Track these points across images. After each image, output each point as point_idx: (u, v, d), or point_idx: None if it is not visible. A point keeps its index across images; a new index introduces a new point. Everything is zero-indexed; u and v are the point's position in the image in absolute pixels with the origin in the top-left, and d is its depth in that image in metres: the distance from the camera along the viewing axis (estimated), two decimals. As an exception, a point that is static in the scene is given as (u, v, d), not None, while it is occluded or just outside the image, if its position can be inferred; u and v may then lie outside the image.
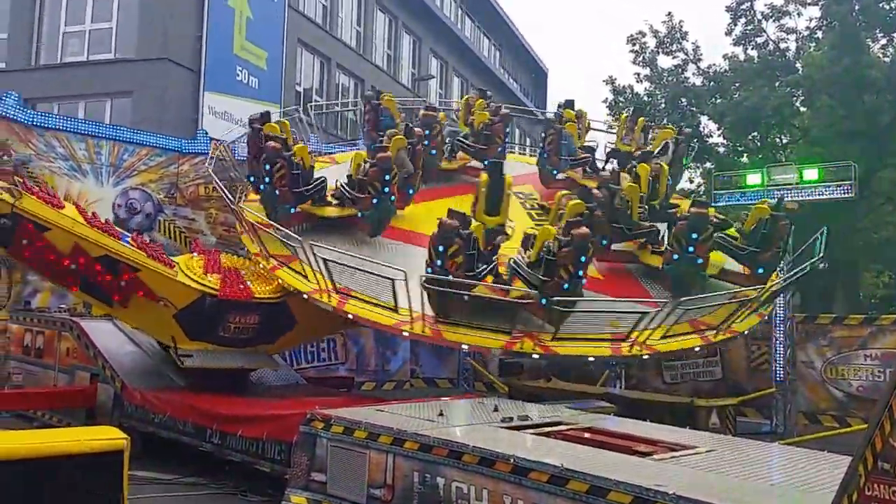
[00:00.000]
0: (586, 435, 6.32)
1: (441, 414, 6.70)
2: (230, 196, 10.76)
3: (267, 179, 9.71)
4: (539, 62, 46.25)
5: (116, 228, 8.97)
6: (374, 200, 9.84)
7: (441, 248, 8.41)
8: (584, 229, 8.56)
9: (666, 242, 10.16)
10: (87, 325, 9.76)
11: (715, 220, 10.08)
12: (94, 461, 5.84)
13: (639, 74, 29.04)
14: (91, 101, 18.58)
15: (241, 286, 8.99)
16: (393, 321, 8.81)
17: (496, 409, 7.12)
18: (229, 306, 8.86)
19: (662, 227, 10.70)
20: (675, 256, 9.65)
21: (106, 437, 6.16)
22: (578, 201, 9.48)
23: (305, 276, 9.09)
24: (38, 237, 7.98)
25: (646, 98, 28.86)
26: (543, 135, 13.18)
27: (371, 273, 8.80)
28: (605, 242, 10.02)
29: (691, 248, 9.45)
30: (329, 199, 10.28)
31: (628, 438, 6.12)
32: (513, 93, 41.80)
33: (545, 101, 47.17)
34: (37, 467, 5.59)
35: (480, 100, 13.90)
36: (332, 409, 6.84)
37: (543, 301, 8.47)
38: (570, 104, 14.06)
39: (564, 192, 10.85)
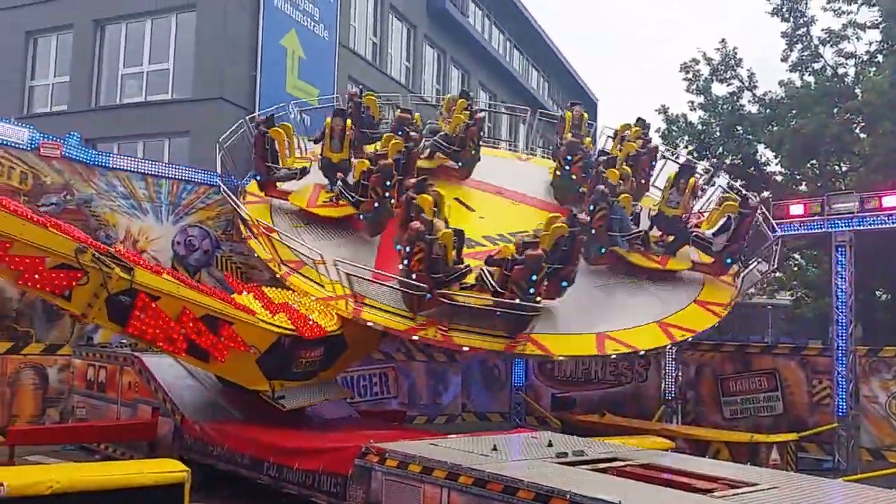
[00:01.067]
0: (644, 472, 6.21)
1: (495, 448, 6.68)
2: (238, 203, 11.15)
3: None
4: (588, 92, 46.22)
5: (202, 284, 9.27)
6: (376, 204, 10.64)
7: (407, 249, 9.22)
8: (538, 251, 9.25)
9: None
10: (148, 359, 10.00)
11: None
12: (156, 493, 6.01)
13: (692, 103, 28.77)
14: (150, 140, 19.24)
15: (311, 323, 9.10)
16: (405, 327, 9.49)
17: (550, 444, 7.06)
18: (302, 343, 9.02)
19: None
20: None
21: (167, 469, 6.34)
22: (561, 225, 9.99)
23: (319, 284, 9.73)
24: (151, 307, 7.99)
25: (700, 127, 28.55)
26: (591, 204, 11.39)
27: (395, 288, 9.49)
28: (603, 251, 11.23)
29: (532, 291, 9.27)
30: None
31: (687, 475, 6.00)
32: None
33: (595, 131, 47.07)
34: (102, 499, 5.78)
35: (462, 100, 14.43)
36: (387, 443, 6.88)
37: (497, 312, 9.30)
38: (575, 105, 15.49)
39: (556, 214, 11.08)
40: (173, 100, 19.28)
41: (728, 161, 28.77)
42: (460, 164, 13.68)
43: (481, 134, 14.50)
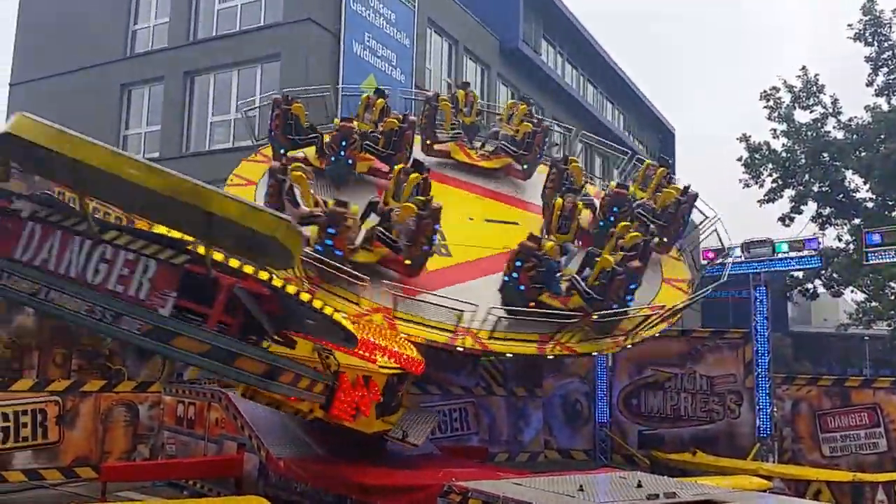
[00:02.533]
0: (742, 515, 5.88)
1: (581, 489, 6.45)
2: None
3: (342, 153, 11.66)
4: (665, 123, 45.58)
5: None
6: (424, 247, 10.49)
7: (518, 263, 10.07)
8: (638, 262, 10.47)
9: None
10: (235, 395, 10.19)
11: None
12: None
13: (775, 130, 28.04)
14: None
15: (405, 358, 9.08)
16: (445, 338, 9.72)
17: (640, 485, 6.77)
18: (402, 378, 9.02)
19: None
20: (505, 278, 10.51)
21: (253, 506, 6.40)
22: (636, 233, 11.05)
23: (347, 299, 9.73)
24: (348, 386, 8.04)
25: (784, 154, 27.73)
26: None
27: (443, 306, 9.83)
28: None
29: (515, 275, 10.34)
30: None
31: (789, 519, 5.64)
32: (639, 155, 41.32)
33: (674, 162, 46.24)
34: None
35: (523, 106, 14.81)
36: (469, 482, 6.76)
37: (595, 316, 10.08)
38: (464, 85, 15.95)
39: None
40: (259, 144, 19.98)
41: (815, 188, 27.82)
42: (525, 166, 14.15)
43: (546, 141, 14.99)
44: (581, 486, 6.56)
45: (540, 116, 15.32)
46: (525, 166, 14.24)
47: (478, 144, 14.79)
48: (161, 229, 7.06)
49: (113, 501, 8.69)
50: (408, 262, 10.37)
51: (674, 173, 47.76)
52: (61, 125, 6.38)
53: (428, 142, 13.92)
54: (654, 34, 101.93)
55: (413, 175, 11.15)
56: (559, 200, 12.03)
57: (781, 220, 28.21)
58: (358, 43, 21.59)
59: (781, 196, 28.35)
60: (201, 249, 6.72)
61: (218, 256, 6.81)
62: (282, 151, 12.23)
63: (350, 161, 12.13)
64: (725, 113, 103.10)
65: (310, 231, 9.79)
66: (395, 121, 12.88)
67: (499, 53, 28.96)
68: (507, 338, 10.06)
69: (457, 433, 13.31)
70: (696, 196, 12.94)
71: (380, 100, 13.62)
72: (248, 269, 6.99)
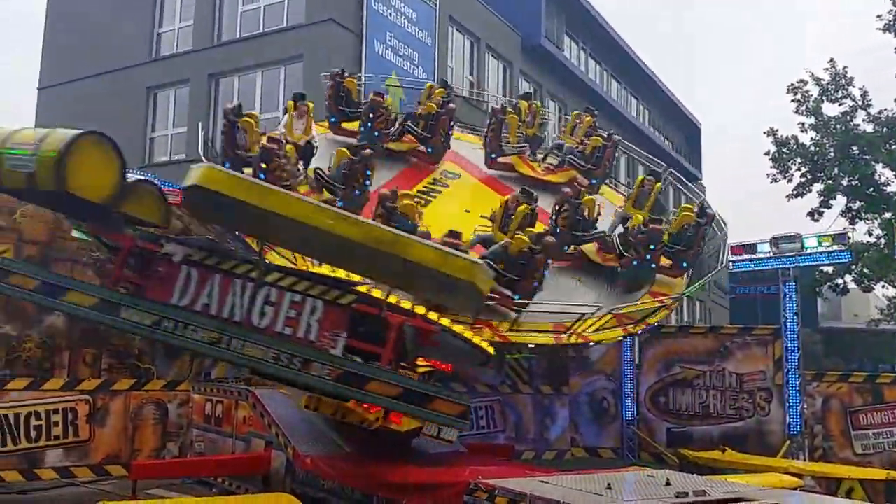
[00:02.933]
0: (773, 513, 5.79)
1: (609, 487, 6.39)
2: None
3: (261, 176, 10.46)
4: (691, 118, 45.12)
5: None
6: (356, 192, 11.05)
7: (262, 164, 10.11)
8: (660, 226, 11.20)
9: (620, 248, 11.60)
10: (262, 393, 10.26)
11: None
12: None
13: (803, 124, 27.63)
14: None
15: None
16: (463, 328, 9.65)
17: (668, 483, 6.69)
18: (431, 376, 9.07)
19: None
20: (635, 262, 11.34)
21: (282, 503, 6.43)
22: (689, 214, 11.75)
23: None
24: None
25: (812, 148, 27.31)
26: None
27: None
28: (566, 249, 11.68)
29: (648, 256, 11.25)
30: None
31: (822, 517, 5.55)
32: (664, 150, 40.94)
33: (700, 157, 45.80)
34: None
35: (588, 118, 14.70)
36: (496, 480, 6.73)
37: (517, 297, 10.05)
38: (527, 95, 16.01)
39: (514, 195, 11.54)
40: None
41: (845, 182, 27.38)
42: (593, 181, 13.89)
43: (616, 155, 14.76)
44: (609, 483, 6.49)
45: (609, 131, 15.01)
46: (593, 181, 13.91)
47: (540, 157, 14.68)
48: (324, 269, 7.09)
49: (143, 499, 8.77)
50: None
51: (700, 171, 46.94)
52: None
53: (493, 155, 13.74)
54: (677, 28, 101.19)
55: (587, 118, 13.62)
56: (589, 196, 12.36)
57: (810, 214, 27.79)
58: (380, 42, 21.64)
59: (810, 190, 27.92)
60: (363, 288, 6.75)
61: (377, 294, 6.85)
62: (332, 120, 13.42)
63: (377, 133, 12.83)
64: (752, 107, 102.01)
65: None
66: (433, 105, 13.46)
67: (521, 50, 28.85)
68: (522, 329, 10.13)
69: (483, 431, 13.29)
70: (713, 217, 12.33)
71: (588, 118, 14.52)
72: (407, 306, 7.10)
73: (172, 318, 6.47)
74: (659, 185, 13.01)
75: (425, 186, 13.23)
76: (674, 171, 15.04)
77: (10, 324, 10.27)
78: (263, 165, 10.47)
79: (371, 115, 12.96)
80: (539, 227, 11.18)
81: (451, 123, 14.02)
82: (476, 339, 7.53)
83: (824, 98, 27.13)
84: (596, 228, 11.78)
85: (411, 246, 5.94)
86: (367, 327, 6.75)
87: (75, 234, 9.42)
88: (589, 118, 14.32)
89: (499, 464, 9.58)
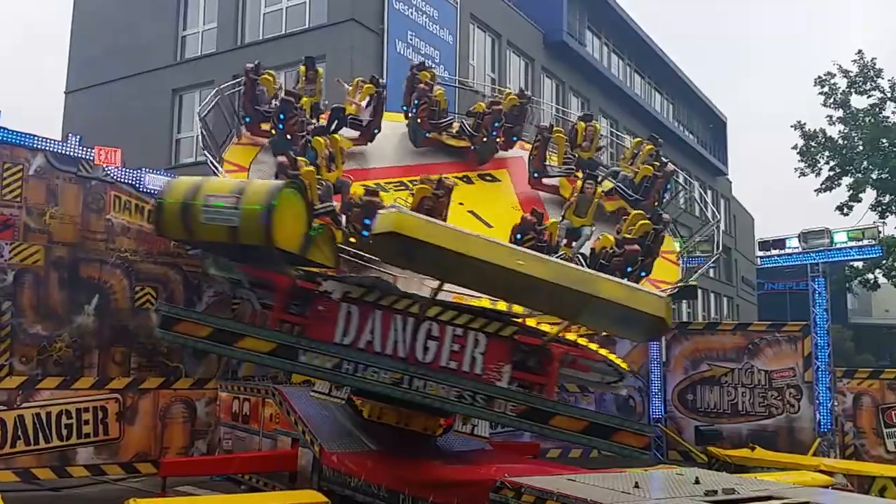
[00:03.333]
0: (805, 511, 5.72)
1: (637, 486, 6.36)
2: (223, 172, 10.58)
3: (280, 126, 10.42)
4: (716, 111, 44.62)
5: None
6: (272, 130, 10.59)
7: (518, 237, 9.33)
8: (636, 246, 9.64)
9: None
10: (288, 391, 10.33)
11: None
12: (299, 524, 6.13)
13: (831, 117, 27.22)
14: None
15: None
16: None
17: (697, 482, 6.64)
18: None
19: None
20: None
21: (309, 500, 6.47)
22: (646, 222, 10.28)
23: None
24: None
25: (841, 141, 26.91)
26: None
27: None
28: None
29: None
30: None
31: (855, 516, 5.46)
32: (689, 145, 40.54)
33: (725, 150, 45.29)
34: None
35: (649, 146, 12.96)
36: (522, 478, 6.71)
37: None
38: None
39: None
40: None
41: (874, 176, 26.95)
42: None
43: (668, 187, 13.27)
44: (636, 482, 6.45)
45: (666, 159, 13.31)
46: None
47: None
48: (484, 302, 7.06)
49: (172, 496, 8.87)
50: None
51: (726, 165, 46.38)
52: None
53: (536, 174, 12.75)
54: (702, 19, 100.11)
55: (647, 146, 12.04)
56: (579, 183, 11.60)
57: (839, 209, 27.38)
58: (401, 41, 21.65)
59: (839, 184, 27.53)
60: (516, 308, 6.74)
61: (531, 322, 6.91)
62: (247, 120, 11.88)
63: (290, 137, 11.38)
64: (779, 101, 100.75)
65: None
66: (650, 168, 12.14)
67: (543, 46, 28.71)
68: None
69: (509, 429, 13.24)
70: (673, 172, 12.51)
71: (648, 146, 12.85)
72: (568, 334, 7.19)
73: (353, 360, 6.39)
74: (599, 189, 11.66)
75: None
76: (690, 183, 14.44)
77: (42, 324, 10.42)
78: (282, 117, 10.54)
79: (282, 118, 11.51)
80: None
81: (668, 187, 12.83)
82: (613, 358, 7.50)
83: (852, 90, 26.72)
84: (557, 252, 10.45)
85: (600, 283, 5.94)
86: (527, 358, 6.76)
87: (212, 271, 9.11)
88: (650, 146, 12.80)
89: (525, 461, 9.55)
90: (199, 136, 11.46)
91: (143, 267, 11.31)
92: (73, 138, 11.23)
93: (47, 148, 10.71)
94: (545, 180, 12.86)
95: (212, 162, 10.84)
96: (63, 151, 10.86)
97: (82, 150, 11.06)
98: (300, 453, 9.71)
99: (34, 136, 10.69)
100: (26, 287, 10.32)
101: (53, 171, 10.69)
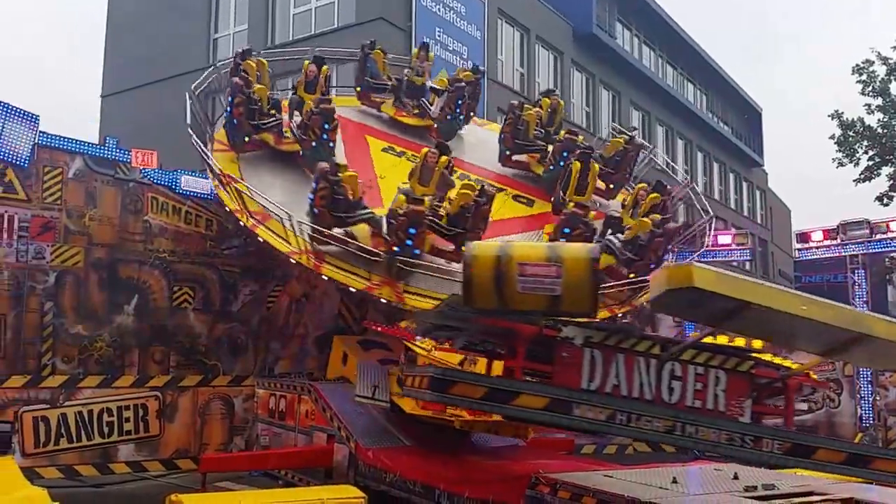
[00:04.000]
0: (847, 507, 5.63)
1: (675, 481, 6.33)
2: (207, 152, 10.90)
3: (228, 110, 10.87)
4: (751, 102, 43.90)
5: None
6: (314, 143, 10.86)
7: (314, 186, 9.78)
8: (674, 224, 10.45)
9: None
10: (324, 387, 10.43)
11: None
12: (337, 519, 6.20)
13: (869, 105, 26.65)
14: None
15: None
16: (363, 285, 9.74)
17: (736, 477, 6.59)
18: None
19: None
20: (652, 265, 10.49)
21: (347, 495, 6.54)
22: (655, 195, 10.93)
23: (285, 239, 9.87)
24: None
25: (880, 130, 26.33)
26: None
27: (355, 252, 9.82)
28: None
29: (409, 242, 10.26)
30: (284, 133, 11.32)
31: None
32: (723, 136, 39.97)
33: (761, 142, 44.56)
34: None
35: (654, 195, 11.79)
36: (558, 473, 6.71)
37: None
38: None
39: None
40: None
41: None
42: (611, 186, 12.69)
43: (640, 161, 13.44)
44: (674, 478, 6.43)
45: (632, 134, 13.53)
46: (611, 186, 12.79)
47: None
48: (721, 339, 7.31)
49: (213, 492, 9.01)
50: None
51: (761, 156, 45.55)
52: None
53: (507, 152, 13.06)
54: (736, 6, 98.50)
55: (652, 195, 11.30)
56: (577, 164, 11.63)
57: (879, 199, 26.82)
58: (429, 38, 21.64)
59: (878, 174, 26.94)
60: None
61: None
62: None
63: (235, 122, 11.50)
64: (819, 90, 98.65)
65: None
66: (648, 222, 11.05)
67: (572, 40, 28.54)
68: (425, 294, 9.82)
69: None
70: (640, 145, 13.08)
71: (653, 195, 11.71)
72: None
73: (626, 410, 6.28)
74: (656, 195, 11.48)
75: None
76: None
77: (83, 324, 10.65)
78: (230, 99, 10.92)
79: (232, 101, 11.49)
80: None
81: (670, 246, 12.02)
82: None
83: (892, 77, 26.15)
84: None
85: (871, 322, 6.04)
86: (762, 390, 6.83)
87: (429, 321, 8.23)
88: (655, 196, 11.39)
89: (559, 457, 9.54)
90: (189, 114, 11.50)
91: (180, 267, 11.48)
92: (111, 141, 11.45)
93: (85, 151, 10.95)
94: (515, 157, 13.04)
95: (196, 142, 10.96)
96: (101, 154, 11.08)
97: (119, 153, 11.29)
98: (336, 449, 9.79)
99: (73, 139, 10.93)
100: (67, 288, 10.55)
101: (92, 173, 10.91)
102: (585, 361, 6.45)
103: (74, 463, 10.35)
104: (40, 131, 10.48)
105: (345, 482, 8.83)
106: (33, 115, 10.34)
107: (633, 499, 5.67)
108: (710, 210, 12.91)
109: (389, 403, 9.33)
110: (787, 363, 7.26)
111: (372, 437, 9.49)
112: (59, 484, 9.79)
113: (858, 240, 13.67)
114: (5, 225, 10.17)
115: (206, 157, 11.07)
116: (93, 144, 11.30)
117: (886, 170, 26.75)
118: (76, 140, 10.98)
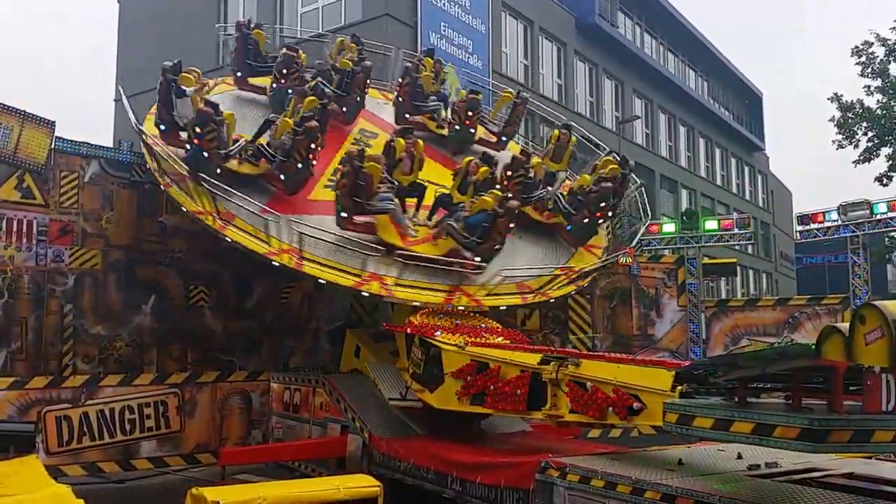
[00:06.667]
0: (847, 482, 5.82)
1: (681, 462, 6.50)
2: (154, 149, 10.30)
3: (196, 141, 9.91)
4: (752, 87, 43.85)
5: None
6: (299, 165, 10.55)
7: (197, 129, 9.73)
8: (610, 184, 11.49)
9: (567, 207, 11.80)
10: (337, 380, 10.66)
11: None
12: (352, 507, 6.43)
13: (869, 87, 26.67)
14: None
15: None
16: (352, 282, 9.70)
17: (740, 457, 6.78)
18: None
19: None
20: (586, 220, 11.75)
21: (362, 485, 6.75)
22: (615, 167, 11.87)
23: (261, 239, 9.70)
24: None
25: (880, 112, 26.34)
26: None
27: (345, 247, 9.81)
28: None
29: (598, 213, 11.72)
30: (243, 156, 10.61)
31: (897, 485, 5.55)
32: (725, 122, 39.97)
33: (762, 127, 44.52)
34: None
35: (353, 44, 14.03)
36: (567, 458, 6.89)
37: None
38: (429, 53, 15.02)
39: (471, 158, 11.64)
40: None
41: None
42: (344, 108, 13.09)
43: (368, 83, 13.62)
44: (680, 459, 6.58)
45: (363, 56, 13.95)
46: (503, 139, 14.36)
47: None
48: None
49: (232, 484, 9.24)
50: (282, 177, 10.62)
51: (762, 141, 45.26)
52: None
53: (406, 115, 13.50)
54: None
55: (483, 169, 11.27)
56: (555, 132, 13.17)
57: (878, 179, 26.87)
58: (434, 33, 21.81)
59: (878, 155, 26.98)
60: None
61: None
62: (238, 75, 13.02)
63: (288, 93, 12.07)
64: (819, 73, 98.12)
65: None
66: (349, 62, 12.92)
67: (575, 30, 28.60)
68: (414, 286, 10.06)
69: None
70: (526, 100, 14.44)
71: (352, 45, 13.89)
72: None
73: None
74: (574, 138, 13.18)
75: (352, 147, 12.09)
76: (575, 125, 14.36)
77: (102, 325, 10.91)
78: (198, 130, 9.91)
79: (285, 71, 12.28)
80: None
81: (368, 82, 13.39)
82: None
83: (891, 59, 26.13)
84: (538, 188, 11.92)
85: None
86: None
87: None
88: (485, 169, 11.43)
89: (567, 441, 9.72)
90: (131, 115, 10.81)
91: (195, 266, 11.71)
92: (125, 144, 11.69)
93: (101, 155, 11.18)
94: (410, 117, 13.42)
95: (138, 127, 10.28)
96: (116, 158, 11.31)
97: (133, 156, 11.51)
98: (349, 440, 10.01)
99: (89, 143, 11.17)
100: (86, 290, 10.84)
101: (107, 176, 11.17)
102: (883, 385, 6.17)
103: (97, 460, 10.62)
104: (56, 136, 10.72)
105: (358, 471, 9.06)
106: (50, 120, 10.58)
107: (641, 479, 5.83)
108: (647, 209, 13.12)
109: (421, 402, 9.56)
110: None
111: (385, 427, 9.70)
112: (82, 481, 10.02)
113: (858, 220, 13.80)
114: (25, 229, 10.45)
115: (153, 154, 10.39)
116: (108, 148, 11.53)
117: (885, 150, 26.80)
118: (92, 144, 11.23)
